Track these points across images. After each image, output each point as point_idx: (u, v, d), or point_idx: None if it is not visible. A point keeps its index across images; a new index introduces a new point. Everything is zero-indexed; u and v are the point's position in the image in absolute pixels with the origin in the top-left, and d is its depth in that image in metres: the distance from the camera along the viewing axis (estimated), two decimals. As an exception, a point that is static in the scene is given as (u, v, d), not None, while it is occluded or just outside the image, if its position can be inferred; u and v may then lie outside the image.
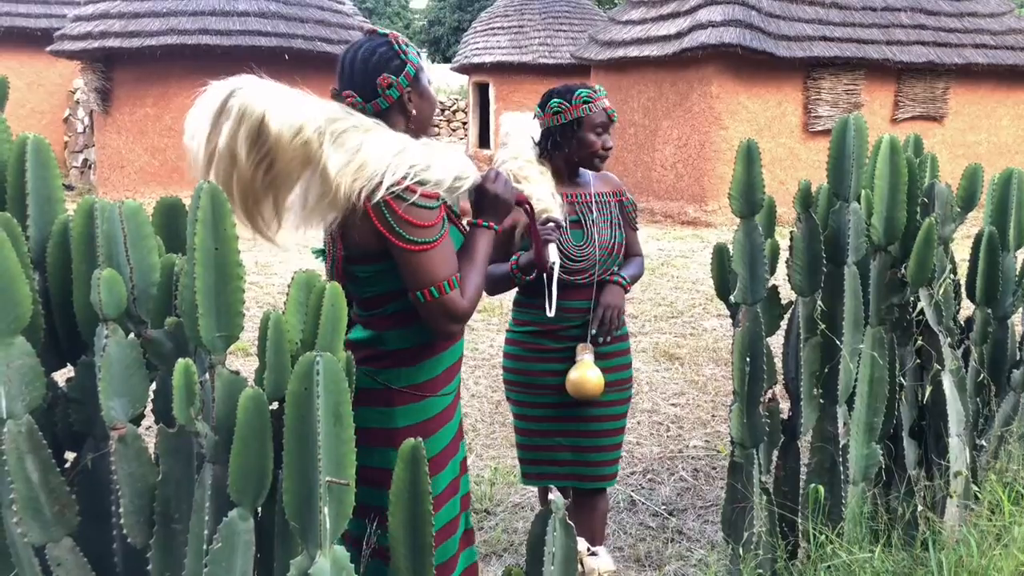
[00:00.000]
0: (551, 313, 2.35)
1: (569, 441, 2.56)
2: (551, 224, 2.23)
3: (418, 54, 1.88)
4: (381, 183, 1.64)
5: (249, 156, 1.63)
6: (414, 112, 1.85)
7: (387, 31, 1.87)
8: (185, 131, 1.68)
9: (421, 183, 1.67)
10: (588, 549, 2.53)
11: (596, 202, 2.52)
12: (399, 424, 1.81)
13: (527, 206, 2.02)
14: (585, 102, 2.47)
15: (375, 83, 1.79)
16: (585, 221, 2.49)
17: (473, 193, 1.86)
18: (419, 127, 1.87)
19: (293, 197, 1.73)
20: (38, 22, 14.37)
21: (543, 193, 2.40)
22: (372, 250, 1.74)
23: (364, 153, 1.64)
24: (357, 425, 1.40)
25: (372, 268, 1.77)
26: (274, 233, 1.74)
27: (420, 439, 1.51)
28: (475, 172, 1.83)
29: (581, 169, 2.57)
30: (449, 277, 1.70)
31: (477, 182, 1.83)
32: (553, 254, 2.34)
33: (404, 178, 1.65)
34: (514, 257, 2.41)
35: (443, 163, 1.73)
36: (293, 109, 1.64)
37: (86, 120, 14.53)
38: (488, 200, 1.84)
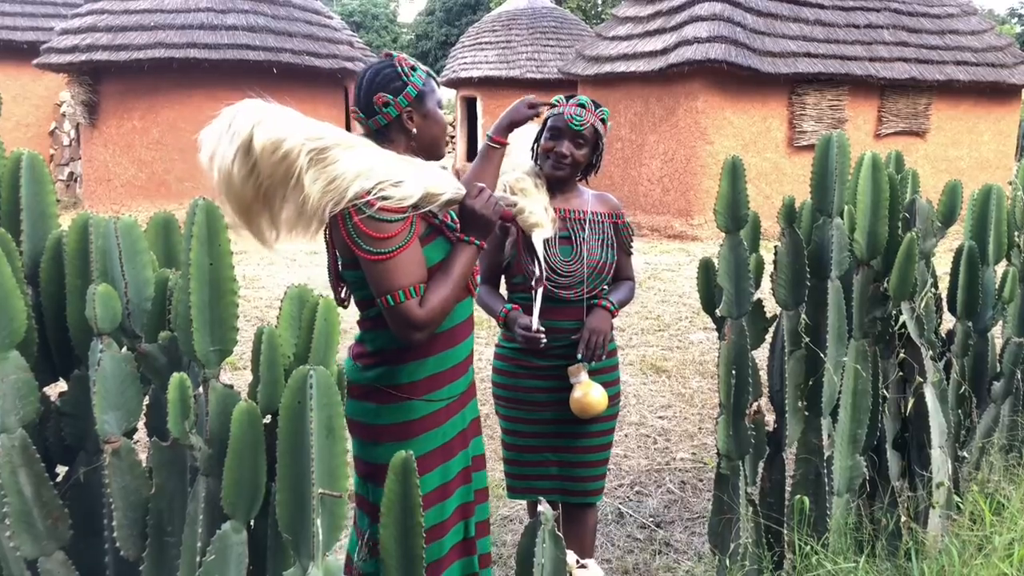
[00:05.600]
0: (535, 326, 2.36)
1: (557, 457, 2.58)
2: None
3: (429, 77, 1.97)
4: (345, 196, 1.73)
5: (240, 170, 1.71)
6: (415, 131, 1.94)
7: (398, 54, 1.97)
8: (201, 151, 1.78)
9: (384, 198, 1.75)
10: (577, 562, 2.54)
11: (590, 221, 2.51)
12: (380, 421, 1.92)
13: (511, 224, 2.06)
14: (551, 107, 2.51)
15: (373, 101, 1.90)
16: (575, 238, 2.48)
17: (458, 209, 1.92)
18: (423, 147, 1.96)
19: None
20: (24, 35, 14.34)
21: (536, 207, 2.41)
22: (350, 258, 1.84)
23: (336, 168, 1.73)
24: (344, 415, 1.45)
25: (355, 274, 1.87)
26: (274, 242, 1.83)
27: (411, 453, 1.53)
28: (454, 188, 1.88)
29: (580, 187, 2.59)
30: (407, 286, 1.77)
31: (457, 198, 1.88)
32: (539, 269, 2.38)
33: (368, 192, 1.74)
34: (508, 306, 2.45)
35: (416, 180, 1.80)
36: (278, 126, 1.73)
37: (72, 133, 14.49)
38: (468, 216, 1.89)
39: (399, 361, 1.91)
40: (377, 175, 1.75)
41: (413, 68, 1.94)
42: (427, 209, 1.84)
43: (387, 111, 1.90)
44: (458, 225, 1.92)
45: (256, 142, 1.70)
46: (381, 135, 1.93)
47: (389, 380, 1.91)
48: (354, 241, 1.75)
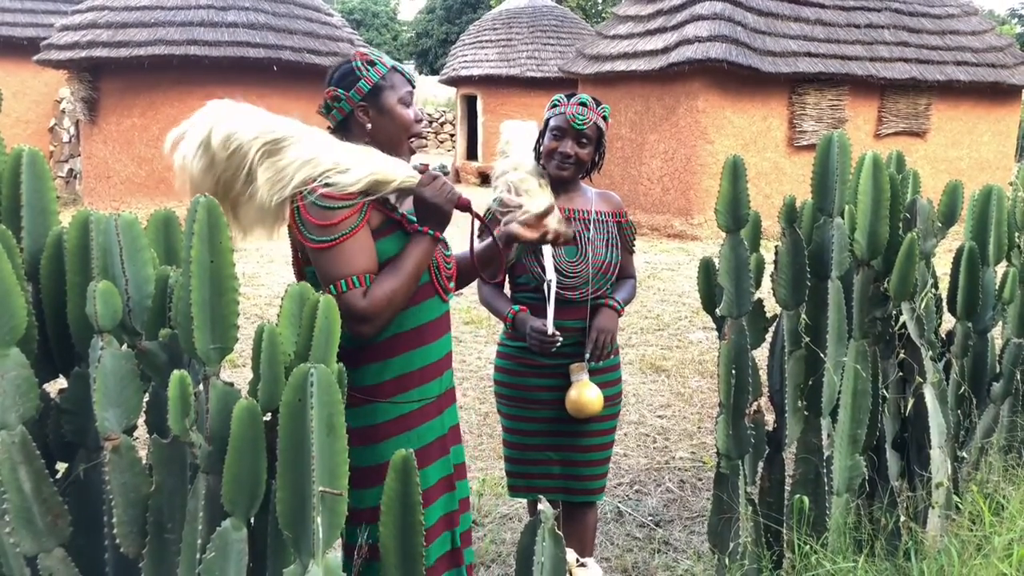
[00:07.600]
0: (551, 330, 2.36)
1: (560, 456, 2.58)
2: (548, 235, 2.22)
3: (396, 73, 1.94)
4: (290, 185, 1.74)
5: (197, 165, 1.76)
6: (369, 127, 1.91)
7: (362, 51, 1.97)
8: (168, 149, 1.83)
9: (328, 185, 1.73)
10: (577, 560, 2.55)
11: (595, 220, 2.51)
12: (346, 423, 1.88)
13: (471, 212, 2.01)
14: (552, 106, 2.49)
15: (326, 96, 1.91)
16: (580, 238, 2.48)
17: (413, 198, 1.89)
18: (381, 144, 1.90)
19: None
20: (24, 31, 14.31)
21: (542, 207, 2.41)
22: (303, 250, 1.82)
23: (283, 159, 1.74)
24: None
25: (311, 269, 1.83)
26: (241, 237, 1.85)
27: (411, 451, 1.53)
28: (405, 174, 1.83)
29: (583, 185, 2.58)
30: (349, 276, 1.74)
31: (408, 184, 1.83)
32: (550, 271, 2.38)
33: (314, 180, 1.73)
34: (516, 307, 2.44)
35: (363, 166, 1.77)
36: (234, 122, 1.75)
37: (72, 130, 14.47)
38: (421, 204, 1.85)
39: (359, 361, 1.85)
40: (324, 163, 1.74)
41: (372, 64, 1.91)
42: (379, 196, 1.80)
43: (340, 105, 1.90)
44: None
45: (212, 138, 1.74)
46: (342, 130, 1.92)
47: (353, 382, 1.84)
48: (300, 230, 1.76)
